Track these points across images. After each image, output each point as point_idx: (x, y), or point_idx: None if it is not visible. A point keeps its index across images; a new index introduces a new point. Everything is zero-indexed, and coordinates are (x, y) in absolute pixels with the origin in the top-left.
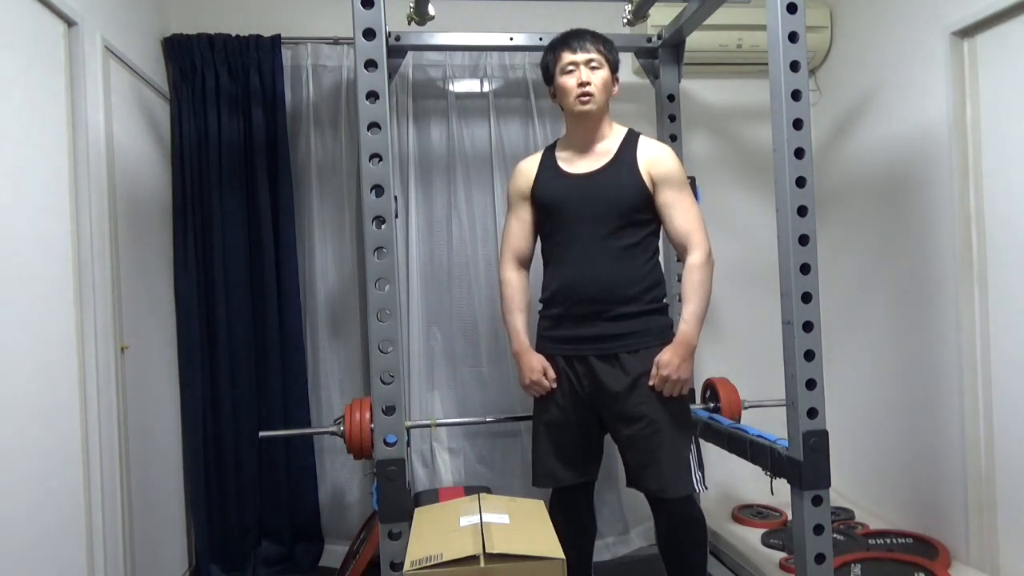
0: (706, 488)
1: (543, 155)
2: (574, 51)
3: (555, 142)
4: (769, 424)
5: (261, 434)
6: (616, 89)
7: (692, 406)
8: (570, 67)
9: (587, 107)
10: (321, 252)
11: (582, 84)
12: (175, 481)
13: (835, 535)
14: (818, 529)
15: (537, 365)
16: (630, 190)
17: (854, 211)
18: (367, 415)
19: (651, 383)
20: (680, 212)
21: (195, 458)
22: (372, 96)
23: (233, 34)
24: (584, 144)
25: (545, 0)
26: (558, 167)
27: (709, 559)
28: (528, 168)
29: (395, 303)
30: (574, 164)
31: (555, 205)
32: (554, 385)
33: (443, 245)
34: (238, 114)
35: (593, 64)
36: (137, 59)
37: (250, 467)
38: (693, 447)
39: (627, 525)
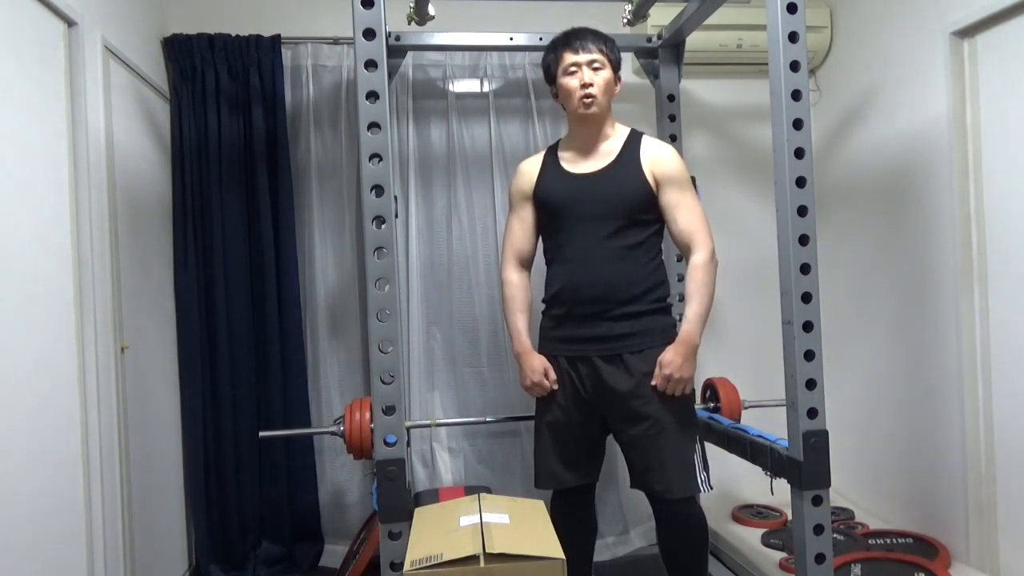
0: (711, 488)
1: (545, 155)
2: (576, 51)
3: (557, 142)
4: (769, 424)
5: (261, 434)
6: (618, 88)
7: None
8: (572, 68)
9: (590, 110)
10: (321, 252)
11: (585, 86)
12: (175, 481)
13: (835, 535)
14: (818, 529)
15: (538, 366)
16: (633, 190)
17: (854, 211)
18: (367, 415)
19: (653, 382)
20: (684, 212)
21: (195, 458)
22: (372, 96)
23: (233, 34)
24: (587, 145)
25: (545, 0)
26: (561, 167)
27: (709, 559)
28: (530, 168)
29: (395, 303)
30: (577, 164)
31: (558, 205)
32: (555, 386)
33: (443, 245)
34: (238, 114)
35: (596, 65)
36: (137, 59)
37: (250, 467)
38: (698, 447)
39: (627, 525)
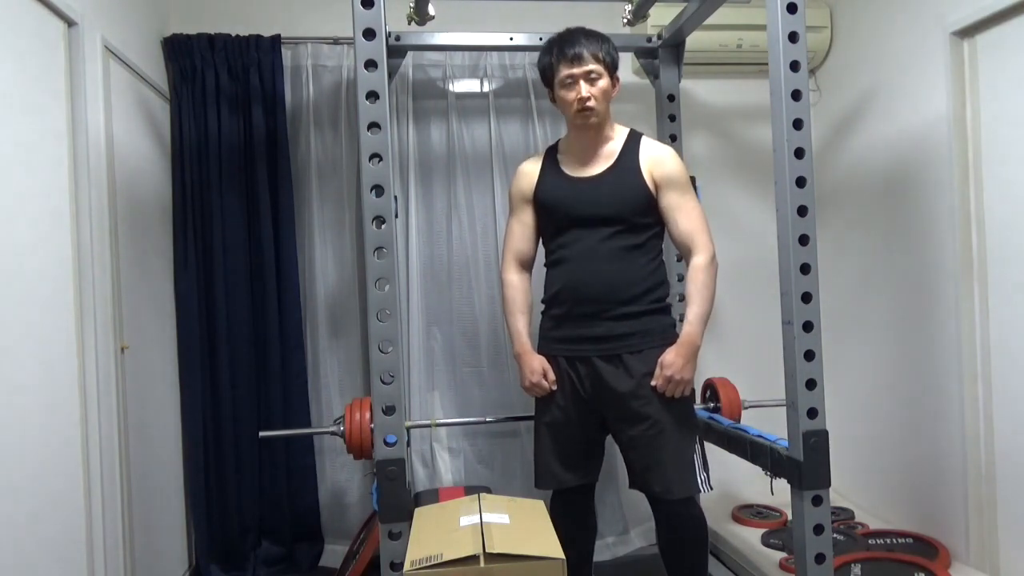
0: (711, 488)
1: (545, 156)
2: (571, 63)
3: (556, 143)
4: (769, 424)
5: (261, 434)
6: (616, 90)
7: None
8: (568, 80)
9: (589, 121)
10: (321, 252)
11: (582, 99)
12: (175, 481)
13: (835, 535)
14: (818, 529)
15: (538, 367)
16: (633, 193)
17: (854, 211)
18: (367, 415)
19: (654, 383)
20: (684, 214)
21: (195, 458)
22: (372, 96)
23: (233, 34)
24: (587, 148)
25: (545, 0)
26: (561, 170)
27: (709, 559)
28: (530, 170)
29: (395, 303)
30: (577, 167)
31: (558, 207)
32: (555, 387)
33: (443, 245)
34: (238, 114)
35: (592, 75)
36: (137, 59)
37: (250, 467)
38: (697, 447)
39: (627, 525)
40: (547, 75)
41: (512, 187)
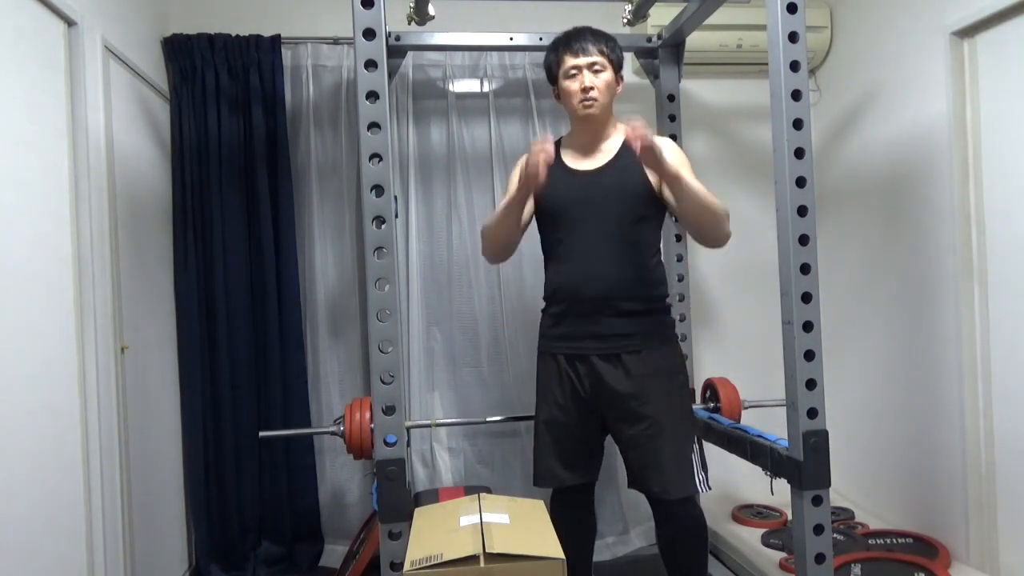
0: (710, 488)
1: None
2: (576, 54)
3: (560, 139)
4: (769, 424)
5: (261, 434)
6: (620, 88)
7: (693, 406)
8: (572, 71)
9: (591, 111)
10: (321, 252)
11: (585, 89)
12: (175, 481)
13: (835, 535)
14: (818, 529)
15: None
16: (634, 185)
17: (854, 211)
18: (367, 415)
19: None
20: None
21: (195, 458)
22: (372, 96)
23: (233, 34)
24: (589, 143)
25: (545, 0)
26: (564, 164)
27: (709, 559)
28: None
29: (395, 303)
30: (579, 162)
31: (559, 202)
32: (551, 161)
33: (443, 245)
34: (238, 114)
35: (596, 67)
36: (137, 59)
37: (250, 467)
38: (696, 447)
39: (627, 525)
40: (552, 70)
41: (514, 174)
